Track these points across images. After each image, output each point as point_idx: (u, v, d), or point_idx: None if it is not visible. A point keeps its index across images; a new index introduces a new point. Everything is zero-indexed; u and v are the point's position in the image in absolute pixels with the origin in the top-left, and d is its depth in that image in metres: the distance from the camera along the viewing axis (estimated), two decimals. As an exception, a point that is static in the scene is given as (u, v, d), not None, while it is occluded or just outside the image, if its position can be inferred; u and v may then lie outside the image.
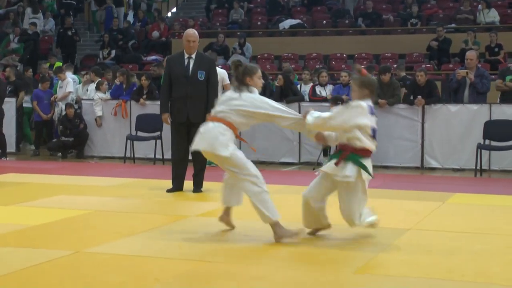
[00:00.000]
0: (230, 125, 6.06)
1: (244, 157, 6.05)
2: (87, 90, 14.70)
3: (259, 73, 6.21)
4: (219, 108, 6.18)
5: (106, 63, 19.27)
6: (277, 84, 13.03)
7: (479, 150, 11.34)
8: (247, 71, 6.15)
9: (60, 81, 14.92)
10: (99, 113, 13.95)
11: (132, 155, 13.22)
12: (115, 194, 8.86)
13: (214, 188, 9.21)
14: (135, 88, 13.90)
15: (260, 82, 6.22)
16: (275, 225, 5.93)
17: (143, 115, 13.42)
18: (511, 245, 5.98)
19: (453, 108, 12.09)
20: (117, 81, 14.19)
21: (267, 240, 6.00)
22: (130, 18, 22.67)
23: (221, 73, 11.14)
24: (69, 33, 20.71)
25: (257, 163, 12.70)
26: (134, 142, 13.27)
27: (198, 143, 6.14)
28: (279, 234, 5.91)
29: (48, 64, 17.72)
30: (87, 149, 14.11)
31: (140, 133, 13.29)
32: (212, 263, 5.36)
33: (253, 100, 6.05)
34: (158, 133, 12.86)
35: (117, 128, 13.86)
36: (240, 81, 6.14)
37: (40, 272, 5.08)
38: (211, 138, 6.04)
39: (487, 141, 11.53)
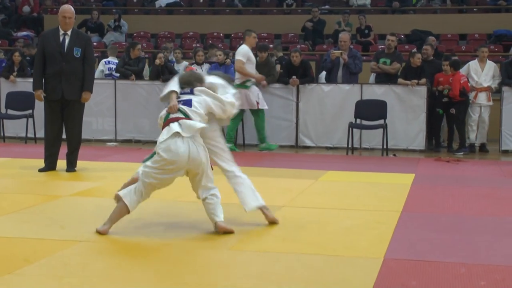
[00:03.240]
0: None
1: None
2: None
3: None
4: None
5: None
6: (157, 63, 12.86)
7: (350, 129, 11.68)
8: None
9: None
10: (-34, 91, 13.39)
11: (2, 134, 12.76)
12: (-16, 174, 8.55)
13: (88, 167, 9.08)
14: (4, 65, 13.39)
15: None
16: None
17: (13, 92, 12.96)
18: (379, 220, 6.22)
19: (326, 88, 12.38)
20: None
21: (142, 219, 5.97)
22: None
23: (238, 50, 11.52)
24: None
25: (134, 141, 12.72)
26: (4, 120, 12.83)
27: None
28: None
29: None
30: (-47, 127, 13.51)
31: (10, 111, 12.84)
32: (86, 243, 5.29)
33: None
34: (30, 111, 12.47)
35: (-14, 106, 13.34)
36: None
37: None
38: None
39: (358, 120, 11.89)
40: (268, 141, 11.72)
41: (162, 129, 5.58)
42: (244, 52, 11.51)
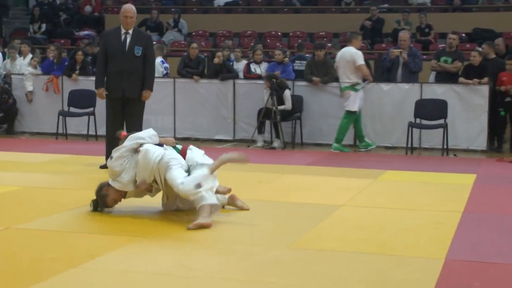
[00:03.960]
0: None
1: None
2: (16, 65, 14.35)
3: None
4: None
5: (36, 37, 18.87)
6: (216, 62, 12.89)
7: (410, 128, 11.56)
8: None
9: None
10: (30, 88, 13.68)
11: (64, 131, 13.03)
12: (47, 170, 8.72)
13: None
14: (67, 63, 13.66)
15: None
16: None
17: (75, 90, 13.21)
18: (439, 221, 6.14)
19: (385, 87, 12.26)
20: (50, 56, 13.92)
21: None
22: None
23: (353, 53, 11.39)
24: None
25: (192, 139, 12.81)
26: (67, 118, 13.07)
27: None
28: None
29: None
30: (18, 125, 13.85)
31: (72, 109, 13.10)
32: (148, 238, 5.35)
33: None
34: (91, 109, 12.70)
35: (49, 104, 13.61)
36: None
37: (-31, 249, 4.98)
38: None
39: (418, 120, 11.75)
40: (342, 144, 11.69)
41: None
42: (362, 56, 11.56)
